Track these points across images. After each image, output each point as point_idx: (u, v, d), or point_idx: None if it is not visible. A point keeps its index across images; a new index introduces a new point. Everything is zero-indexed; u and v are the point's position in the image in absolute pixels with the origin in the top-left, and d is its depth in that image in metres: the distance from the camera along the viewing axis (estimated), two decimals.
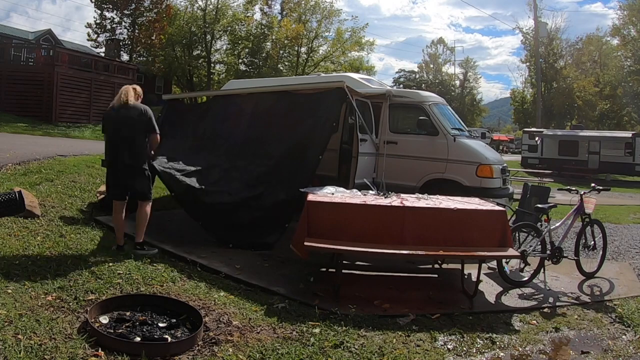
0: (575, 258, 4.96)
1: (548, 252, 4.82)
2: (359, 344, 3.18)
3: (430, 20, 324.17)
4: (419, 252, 4.11)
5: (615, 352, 3.37)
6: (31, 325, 2.89)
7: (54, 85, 20.31)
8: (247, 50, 36.07)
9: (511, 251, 4.24)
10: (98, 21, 32.69)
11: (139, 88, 4.82)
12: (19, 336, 2.73)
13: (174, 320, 3.20)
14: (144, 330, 3.02)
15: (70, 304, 3.30)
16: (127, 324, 3.07)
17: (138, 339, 2.91)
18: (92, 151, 10.52)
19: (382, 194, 4.90)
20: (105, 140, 4.74)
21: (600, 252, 5.23)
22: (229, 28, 35.23)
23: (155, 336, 2.97)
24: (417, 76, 60.49)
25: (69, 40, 46.62)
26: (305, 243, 3.95)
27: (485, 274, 4.83)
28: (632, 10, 37.00)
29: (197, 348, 2.93)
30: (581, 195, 5.05)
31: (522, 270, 4.90)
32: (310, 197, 4.35)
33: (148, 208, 4.70)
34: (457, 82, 60.00)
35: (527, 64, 45.97)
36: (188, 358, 2.82)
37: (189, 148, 6.20)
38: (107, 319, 3.12)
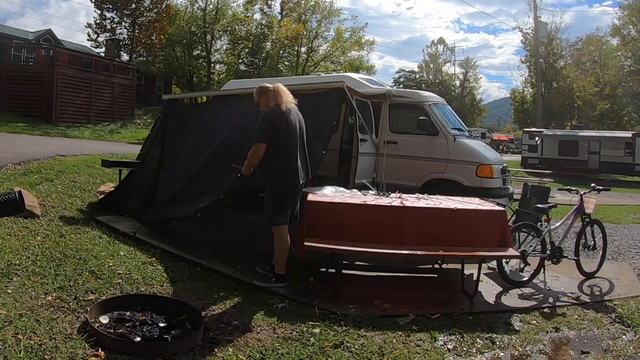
0: (575, 258, 4.96)
1: (548, 252, 4.82)
2: (359, 344, 3.18)
3: (433, 19, 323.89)
4: (419, 252, 4.11)
5: (615, 352, 3.37)
6: (31, 325, 2.88)
7: (54, 85, 20.33)
8: (247, 50, 36.04)
9: (511, 251, 4.25)
10: (98, 21, 32.70)
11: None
12: (19, 336, 2.73)
13: (174, 320, 3.20)
14: (144, 330, 3.02)
15: (70, 304, 3.30)
16: (127, 324, 3.07)
17: (138, 339, 2.91)
18: (92, 151, 10.54)
19: (382, 193, 4.90)
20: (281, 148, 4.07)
21: (600, 252, 5.23)
22: (229, 28, 35.21)
23: (155, 336, 2.97)
24: (417, 76, 60.48)
25: (69, 40, 46.63)
26: (305, 243, 3.95)
27: (485, 274, 4.83)
28: (632, 10, 37.01)
29: (197, 348, 2.93)
30: (581, 195, 5.05)
31: (522, 270, 4.90)
32: (310, 197, 4.35)
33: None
34: (457, 82, 60.03)
35: (527, 64, 46.01)
36: (188, 358, 2.82)
37: (189, 150, 6.19)
38: (107, 319, 3.12)
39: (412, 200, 4.63)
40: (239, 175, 4.52)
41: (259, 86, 4.34)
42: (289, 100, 4.17)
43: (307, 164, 4.28)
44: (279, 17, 37.16)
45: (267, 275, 4.25)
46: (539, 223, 5.15)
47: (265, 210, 4.15)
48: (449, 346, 3.30)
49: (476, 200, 4.95)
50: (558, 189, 5.64)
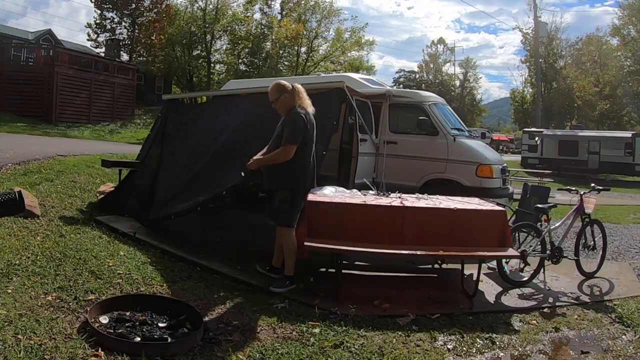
0: (575, 258, 4.96)
1: (548, 252, 4.82)
2: (359, 344, 3.18)
3: (434, 19, 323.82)
4: (419, 252, 4.11)
5: (615, 352, 3.37)
6: (31, 325, 2.88)
7: (54, 85, 20.36)
8: (247, 50, 36.10)
9: (511, 251, 4.25)
10: (98, 21, 32.69)
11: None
12: (19, 336, 2.73)
13: (174, 320, 3.20)
14: (144, 330, 3.02)
15: (70, 304, 3.30)
16: (127, 324, 3.07)
17: (138, 339, 2.91)
18: (92, 151, 10.54)
19: (382, 193, 4.90)
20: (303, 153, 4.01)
21: (600, 252, 5.23)
22: (229, 28, 35.26)
23: (155, 336, 2.97)
24: (417, 76, 60.54)
25: (70, 40, 46.63)
26: (305, 243, 3.95)
27: (485, 274, 4.82)
28: (632, 10, 37.02)
29: (197, 348, 2.93)
30: (581, 195, 5.05)
31: (522, 270, 4.89)
32: (310, 197, 4.34)
33: None
34: (457, 82, 60.06)
35: (527, 64, 46.03)
36: (188, 358, 2.82)
37: (189, 150, 6.19)
38: (107, 319, 3.12)
39: (412, 200, 4.63)
40: (242, 174, 4.46)
41: (277, 83, 4.19)
42: (309, 102, 4.10)
43: (315, 170, 4.22)
44: (279, 17, 37.21)
45: (275, 278, 4.18)
46: (539, 223, 5.15)
47: (280, 212, 4.03)
48: (448, 346, 3.30)
49: (476, 200, 4.95)
50: (558, 189, 5.64)
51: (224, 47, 37.17)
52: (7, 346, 2.61)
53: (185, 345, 2.91)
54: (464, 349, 3.28)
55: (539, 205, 5.11)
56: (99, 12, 32.31)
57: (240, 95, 6.73)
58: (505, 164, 6.86)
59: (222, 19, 34.41)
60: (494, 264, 4.90)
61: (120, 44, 33.25)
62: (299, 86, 4.16)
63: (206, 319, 3.33)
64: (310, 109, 4.09)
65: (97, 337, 2.82)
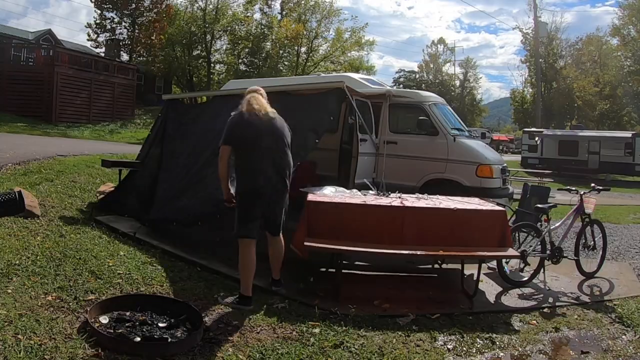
0: (575, 258, 4.96)
1: (548, 252, 4.83)
2: (359, 344, 3.18)
3: (434, 19, 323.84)
4: (419, 252, 4.11)
5: (615, 352, 3.38)
6: (31, 325, 2.88)
7: (54, 85, 20.37)
8: (247, 50, 36.11)
9: (511, 251, 4.25)
10: (98, 21, 32.69)
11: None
12: (19, 336, 2.73)
13: (174, 320, 3.20)
14: (144, 330, 3.02)
15: (70, 304, 3.30)
16: (127, 324, 3.07)
17: (138, 339, 2.91)
18: (92, 151, 10.55)
19: (382, 193, 4.90)
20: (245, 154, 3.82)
21: (600, 252, 5.23)
22: (229, 28, 35.28)
23: (155, 336, 2.97)
24: (417, 76, 60.55)
25: (71, 40, 46.63)
26: (305, 243, 3.95)
27: (485, 274, 4.83)
28: (632, 10, 37.03)
29: (197, 348, 2.93)
30: (581, 195, 5.05)
31: (522, 270, 4.89)
32: (310, 197, 4.35)
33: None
34: (457, 82, 60.06)
35: (527, 64, 46.04)
36: (188, 358, 2.82)
37: (189, 150, 6.19)
38: (107, 319, 3.12)
39: (412, 200, 4.63)
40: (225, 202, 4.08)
41: (249, 89, 4.19)
42: (255, 108, 3.87)
43: (282, 174, 3.88)
44: (279, 17, 37.21)
45: (275, 286, 4.07)
46: (539, 223, 5.16)
47: (235, 219, 3.83)
48: (448, 346, 3.30)
49: (476, 200, 4.95)
50: (558, 189, 5.65)
51: (224, 47, 37.24)
52: (7, 346, 2.61)
53: (185, 345, 2.92)
54: (464, 349, 3.28)
55: (539, 205, 5.11)
56: (99, 12, 32.34)
57: (240, 95, 6.70)
58: (505, 164, 6.87)
59: (222, 19, 34.42)
60: (494, 264, 4.90)
61: (120, 44, 33.25)
62: (254, 95, 4.03)
63: (206, 319, 3.34)
64: (261, 113, 3.85)
65: (97, 337, 2.82)
